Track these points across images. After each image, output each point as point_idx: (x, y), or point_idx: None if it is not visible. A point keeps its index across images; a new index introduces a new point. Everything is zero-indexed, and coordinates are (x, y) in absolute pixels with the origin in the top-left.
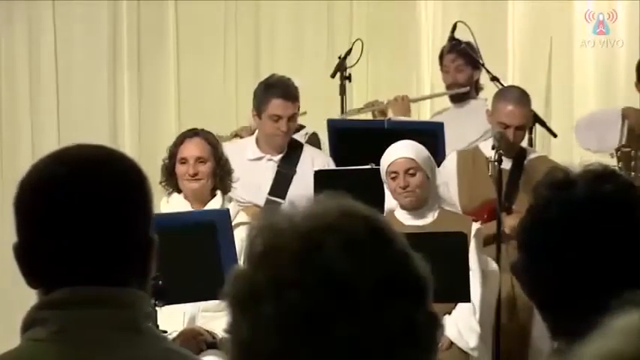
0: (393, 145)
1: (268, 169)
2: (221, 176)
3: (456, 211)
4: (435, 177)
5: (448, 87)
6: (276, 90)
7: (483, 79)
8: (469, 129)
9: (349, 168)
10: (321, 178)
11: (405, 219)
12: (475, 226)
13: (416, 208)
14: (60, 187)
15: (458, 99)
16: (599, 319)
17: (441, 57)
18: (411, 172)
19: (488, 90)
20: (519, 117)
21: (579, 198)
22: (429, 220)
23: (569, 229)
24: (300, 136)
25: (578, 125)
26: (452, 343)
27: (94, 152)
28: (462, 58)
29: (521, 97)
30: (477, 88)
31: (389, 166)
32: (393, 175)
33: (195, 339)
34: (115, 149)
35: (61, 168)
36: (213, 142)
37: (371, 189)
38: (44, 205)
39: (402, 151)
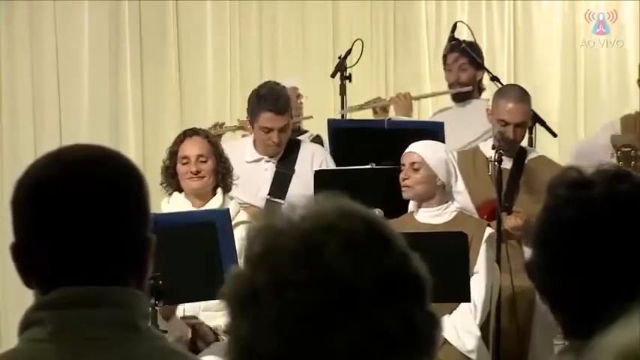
0: (416, 142)
1: (267, 170)
2: (223, 174)
3: (472, 215)
4: (451, 180)
5: (450, 86)
6: (266, 103)
7: (484, 79)
8: (470, 128)
9: (349, 168)
10: (321, 178)
11: (421, 217)
12: (489, 231)
13: (419, 200)
14: (56, 186)
15: (460, 98)
16: (615, 317)
17: (445, 56)
18: (415, 166)
19: (489, 90)
20: (519, 114)
21: (597, 197)
22: (444, 219)
23: (588, 228)
24: (303, 139)
25: (572, 153)
26: (445, 341)
27: (91, 152)
28: (465, 57)
29: (521, 94)
30: (479, 88)
31: (402, 157)
32: (402, 167)
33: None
34: (111, 149)
35: (57, 168)
36: (213, 140)
37: (371, 189)
38: (40, 205)
39: (415, 147)
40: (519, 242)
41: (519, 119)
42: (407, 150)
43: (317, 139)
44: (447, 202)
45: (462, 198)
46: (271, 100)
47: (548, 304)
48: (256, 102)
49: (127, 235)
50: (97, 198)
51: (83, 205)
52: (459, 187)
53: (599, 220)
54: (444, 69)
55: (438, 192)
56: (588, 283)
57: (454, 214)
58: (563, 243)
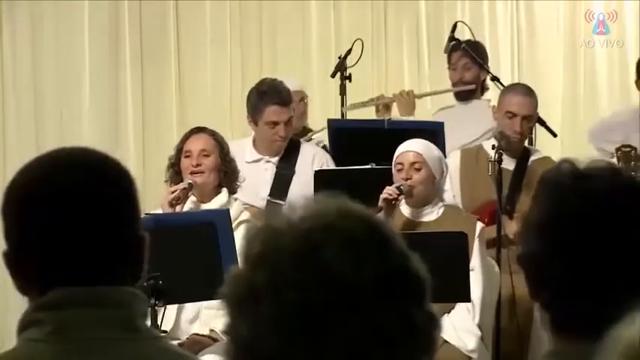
0: (407, 140)
1: (267, 170)
2: (225, 172)
3: (460, 210)
4: (443, 178)
5: (454, 84)
6: (271, 97)
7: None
8: (471, 128)
9: (349, 168)
10: (321, 178)
11: (410, 215)
12: (480, 225)
13: (418, 204)
14: (47, 189)
15: (463, 97)
16: (612, 316)
17: (449, 55)
18: (416, 166)
19: (493, 90)
20: (527, 106)
21: (600, 189)
22: (433, 217)
23: (591, 221)
24: (304, 140)
25: (594, 131)
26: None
27: (80, 153)
28: (469, 57)
29: (528, 90)
30: (482, 88)
31: (397, 157)
32: (399, 166)
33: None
34: (100, 151)
35: (47, 170)
36: (218, 139)
37: (371, 189)
38: (32, 208)
39: (412, 146)
40: None
41: (527, 111)
42: (401, 149)
43: (322, 148)
44: (431, 200)
45: (446, 195)
46: (274, 94)
47: (539, 301)
48: (259, 98)
49: (121, 234)
50: (89, 198)
51: (76, 206)
52: (446, 184)
53: (601, 213)
54: (449, 68)
55: (433, 192)
56: (587, 279)
57: (442, 209)
58: (564, 236)
